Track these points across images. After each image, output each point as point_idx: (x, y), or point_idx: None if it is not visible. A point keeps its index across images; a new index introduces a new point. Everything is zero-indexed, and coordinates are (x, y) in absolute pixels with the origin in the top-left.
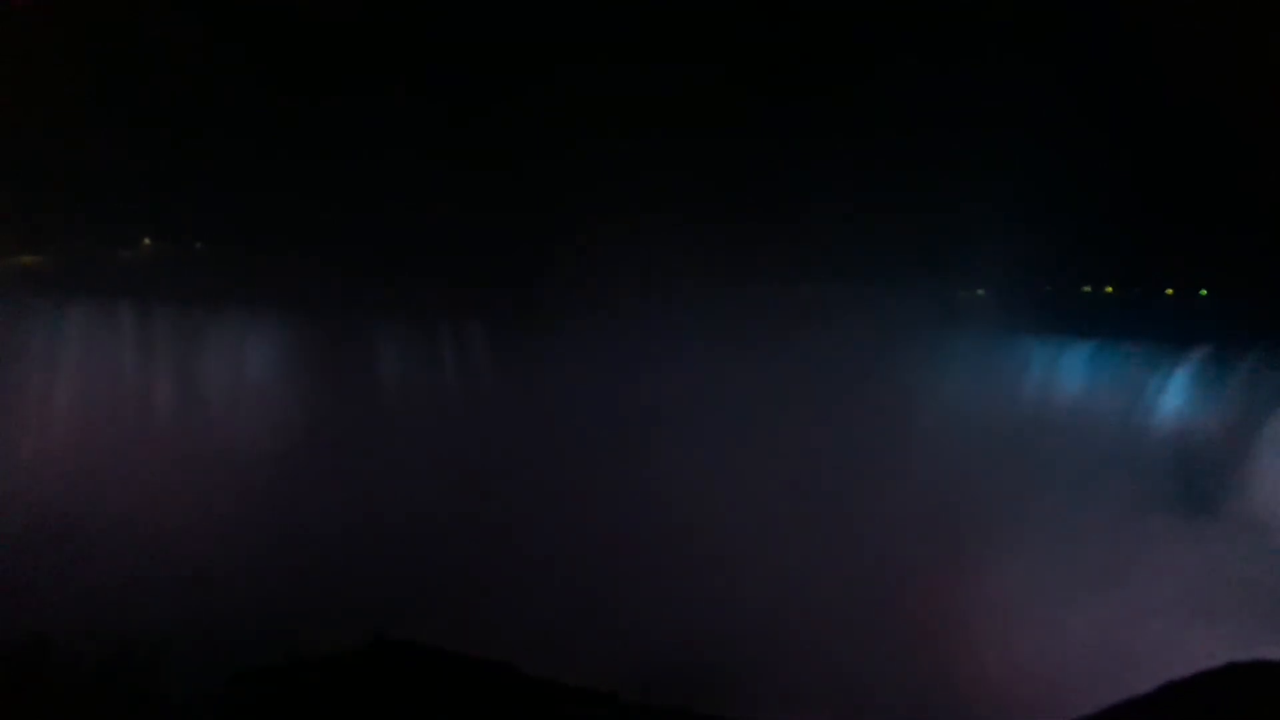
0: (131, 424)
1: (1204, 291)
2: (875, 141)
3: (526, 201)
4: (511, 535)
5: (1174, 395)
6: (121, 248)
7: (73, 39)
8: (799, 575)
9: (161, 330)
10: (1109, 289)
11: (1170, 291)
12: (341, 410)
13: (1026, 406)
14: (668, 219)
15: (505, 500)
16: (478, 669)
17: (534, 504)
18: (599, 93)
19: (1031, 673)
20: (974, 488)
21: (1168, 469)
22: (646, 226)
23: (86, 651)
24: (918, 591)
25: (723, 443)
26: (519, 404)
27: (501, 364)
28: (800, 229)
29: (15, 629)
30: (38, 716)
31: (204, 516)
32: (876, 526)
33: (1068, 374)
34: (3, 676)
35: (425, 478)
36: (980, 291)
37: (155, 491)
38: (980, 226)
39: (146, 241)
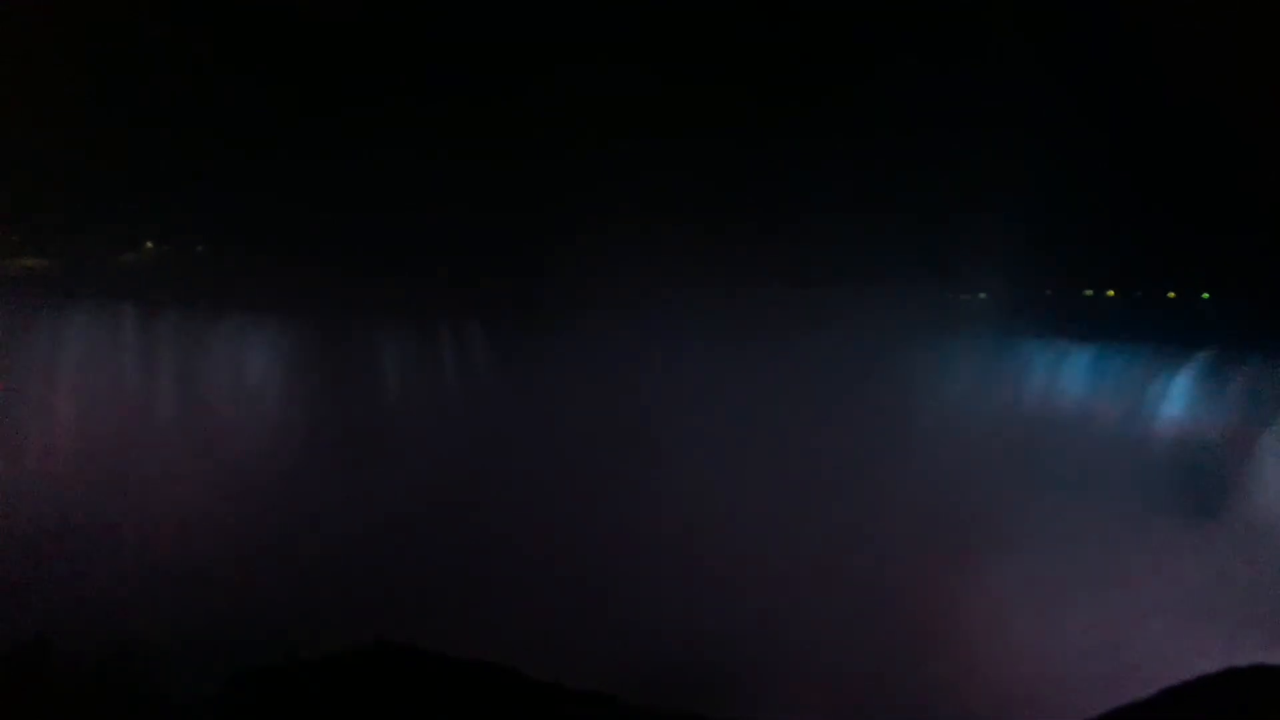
0: (133, 426)
1: (1206, 294)
2: (876, 143)
3: (526, 201)
4: (512, 536)
5: (1176, 399)
6: (124, 251)
7: (74, 41)
8: (800, 576)
9: (163, 332)
10: (1110, 292)
11: (1172, 295)
12: (342, 411)
13: (1028, 410)
14: (668, 219)
15: (506, 501)
16: (478, 671)
17: (534, 505)
18: (599, 93)
19: (1032, 675)
20: (975, 491)
21: (1169, 472)
22: (647, 227)
23: (86, 652)
24: (918, 593)
25: (723, 444)
26: (519, 404)
27: (502, 364)
28: (801, 231)
29: (16, 630)
30: (38, 717)
31: (205, 518)
32: (877, 528)
33: (1069, 377)
34: (3, 677)
35: (426, 478)
36: (982, 295)
37: (156, 493)
38: (982, 229)
39: (149, 244)
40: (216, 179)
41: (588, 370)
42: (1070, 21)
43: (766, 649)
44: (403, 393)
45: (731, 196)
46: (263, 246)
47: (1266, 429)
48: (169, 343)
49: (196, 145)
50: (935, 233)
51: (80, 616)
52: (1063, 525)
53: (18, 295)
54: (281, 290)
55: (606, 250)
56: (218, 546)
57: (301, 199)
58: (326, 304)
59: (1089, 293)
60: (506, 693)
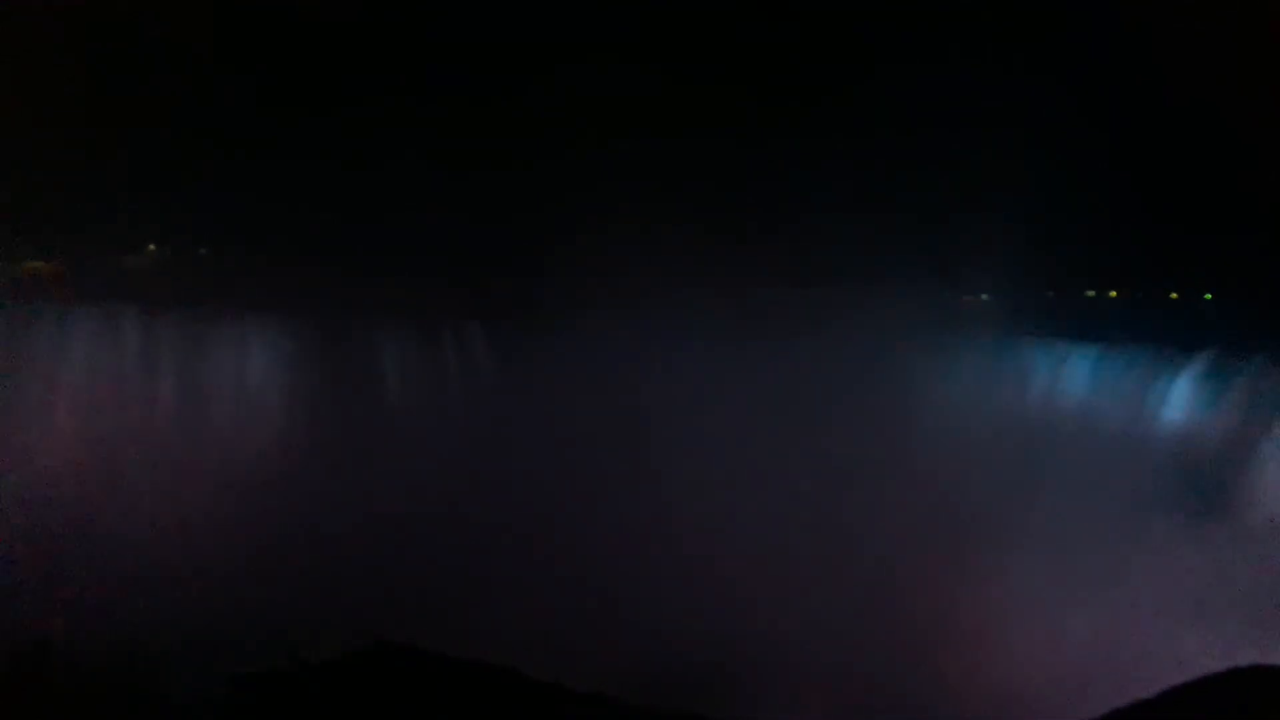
0: (134, 427)
1: (1208, 295)
2: (877, 143)
3: (527, 201)
4: (512, 536)
5: (1178, 400)
6: (126, 253)
7: (74, 41)
8: (800, 577)
9: (165, 334)
10: (1113, 293)
11: (1174, 295)
12: (343, 411)
13: (1030, 411)
14: (668, 219)
15: (506, 501)
16: (479, 671)
17: (535, 505)
18: (599, 93)
19: (1033, 676)
20: (976, 491)
21: (1171, 473)
22: (647, 227)
23: (87, 653)
24: (919, 594)
25: (723, 444)
26: (520, 404)
27: (502, 364)
28: (801, 231)
29: (16, 631)
30: (38, 718)
31: (206, 519)
32: (878, 529)
33: (1071, 379)
34: (4, 679)
35: (427, 479)
36: (984, 296)
37: (157, 494)
38: (983, 230)
39: (151, 247)
40: (218, 180)
41: (588, 370)
42: (1070, 22)
43: (766, 649)
44: (403, 393)
45: (731, 196)
46: (264, 247)
47: (1268, 430)
48: (171, 344)
49: (198, 146)
50: (936, 233)
51: (81, 618)
52: (1064, 525)
53: (20, 298)
54: (283, 291)
55: (606, 250)
56: (219, 547)
57: (303, 200)
58: (327, 304)
59: (1090, 293)
60: (507, 693)
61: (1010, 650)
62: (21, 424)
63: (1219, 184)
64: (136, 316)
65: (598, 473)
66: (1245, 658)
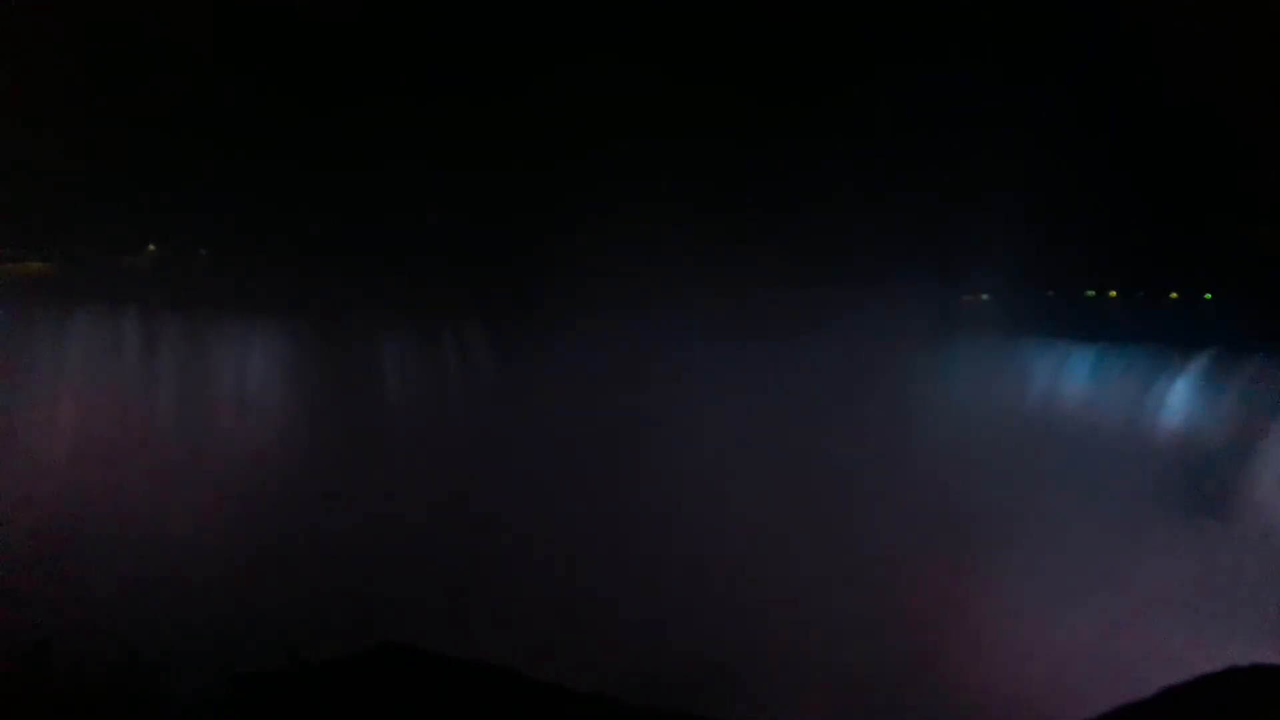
0: (135, 428)
1: (1208, 295)
2: (877, 143)
3: (527, 201)
4: (513, 536)
5: (1178, 399)
6: (126, 254)
7: (74, 41)
8: (800, 577)
9: (166, 335)
10: (1113, 293)
11: (1174, 295)
12: (344, 412)
13: (1030, 411)
14: (668, 219)
15: (506, 501)
16: (480, 672)
17: (535, 505)
18: (599, 93)
19: (1033, 676)
20: (977, 492)
21: (1172, 473)
22: (647, 227)
23: (87, 655)
24: (919, 594)
25: (724, 445)
26: (520, 404)
27: (502, 364)
28: (801, 230)
29: (17, 633)
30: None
31: (206, 519)
32: (878, 529)
33: (1072, 378)
34: (3, 678)
35: (427, 479)
36: (984, 296)
37: (158, 495)
38: (983, 230)
39: (151, 248)
40: (218, 180)
41: (588, 370)
42: (1070, 22)
43: (766, 649)
44: (404, 393)
45: (731, 196)
46: (264, 247)
47: (1268, 430)
48: (171, 344)
49: (198, 147)
50: (936, 233)
51: (81, 619)
52: (1064, 525)
53: (20, 299)
54: (283, 291)
55: (606, 250)
56: (219, 547)
57: (302, 200)
58: (328, 305)
59: (1091, 293)
60: (507, 693)
61: (1010, 650)
62: (21, 424)
63: (1219, 184)
64: (136, 316)
65: (597, 472)
66: (1245, 657)
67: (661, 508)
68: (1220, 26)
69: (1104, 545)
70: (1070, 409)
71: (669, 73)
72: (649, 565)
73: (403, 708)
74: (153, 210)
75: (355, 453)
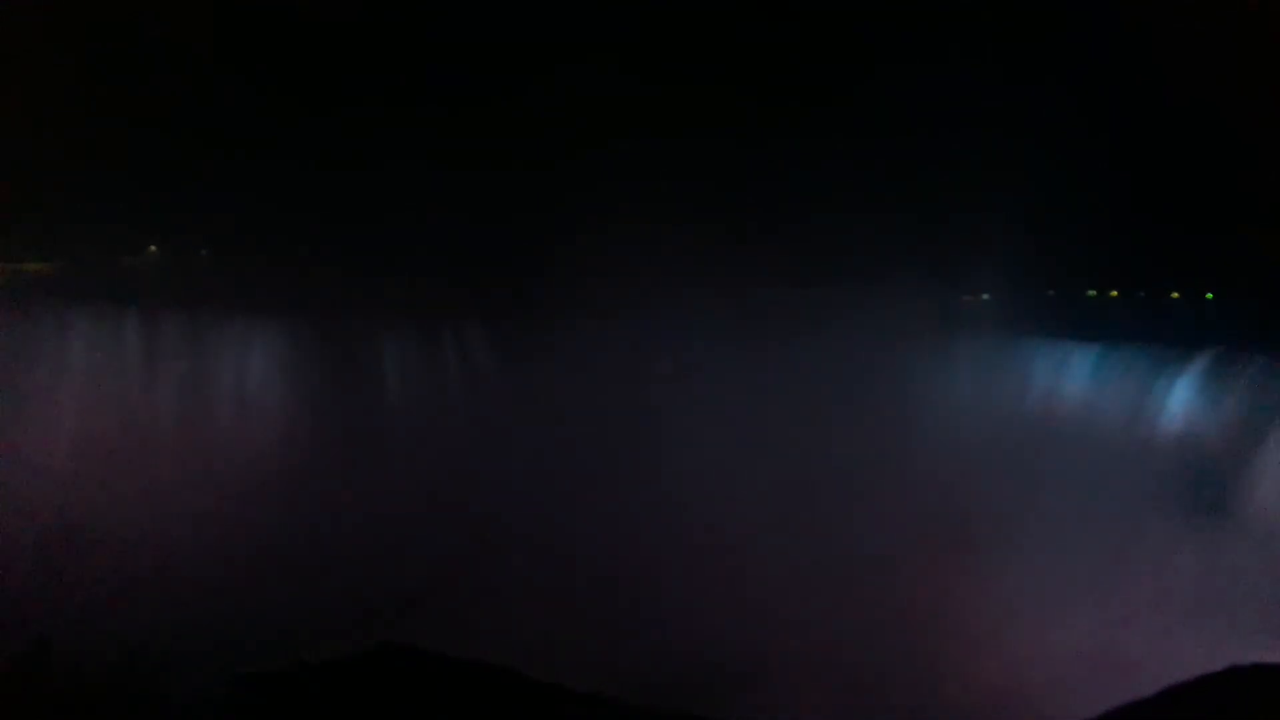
0: (136, 428)
1: (1210, 295)
2: (877, 143)
3: (527, 202)
4: (513, 536)
5: (1179, 399)
6: (127, 255)
7: (74, 41)
8: (800, 577)
9: (166, 336)
10: (1114, 293)
11: (1176, 295)
12: (344, 412)
13: (1031, 410)
14: (668, 219)
15: (507, 501)
16: (480, 672)
17: (535, 504)
18: (599, 93)
19: (1032, 675)
20: (978, 491)
21: (1173, 473)
22: (647, 227)
23: (87, 655)
24: (919, 593)
25: (724, 445)
26: (521, 404)
27: (502, 364)
28: (801, 231)
29: (18, 633)
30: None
31: (207, 519)
32: (878, 528)
33: (1072, 378)
34: (5, 680)
35: (428, 479)
36: (985, 295)
37: (158, 495)
38: (984, 230)
39: (152, 248)
40: (218, 180)
41: (588, 370)
42: (1070, 22)
43: (767, 649)
44: (404, 393)
45: (731, 196)
46: (264, 247)
47: (1268, 430)
48: (171, 344)
49: (198, 146)
50: (937, 233)
51: (82, 619)
52: (1065, 525)
53: (21, 299)
54: (283, 291)
55: (606, 250)
56: (220, 547)
57: (303, 200)
58: (327, 305)
59: (1092, 293)
60: (507, 693)
61: (1010, 650)
62: (22, 424)
63: (1219, 184)
64: (136, 317)
65: (598, 472)
66: (1245, 657)
67: (661, 508)
68: (1220, 26)
69: (1104, 545)
70: (1070, 409)
71: (669, 73)
72: (649, 565)
73: (403, 708)
74: (153, 210)
75: (355, 452)
